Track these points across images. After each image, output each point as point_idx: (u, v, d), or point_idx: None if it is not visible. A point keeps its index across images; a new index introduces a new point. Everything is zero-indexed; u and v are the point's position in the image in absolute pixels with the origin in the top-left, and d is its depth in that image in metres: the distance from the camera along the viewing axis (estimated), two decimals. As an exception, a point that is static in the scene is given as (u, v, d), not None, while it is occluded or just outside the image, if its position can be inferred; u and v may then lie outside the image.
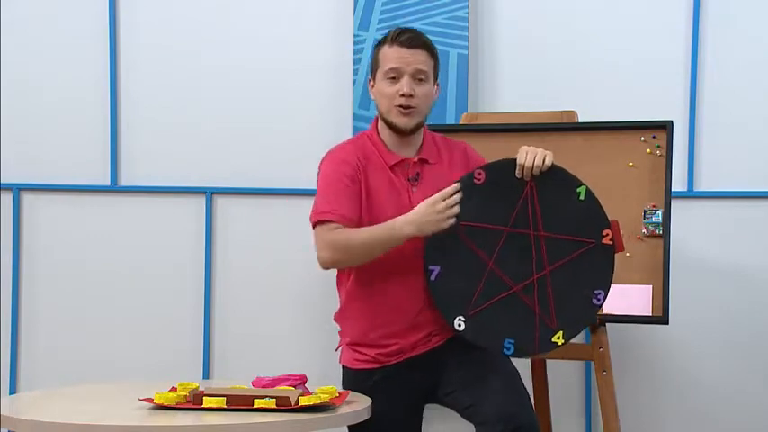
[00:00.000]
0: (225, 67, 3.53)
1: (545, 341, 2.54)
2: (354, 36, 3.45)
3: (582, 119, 3.15)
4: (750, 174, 3.40)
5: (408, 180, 2.66)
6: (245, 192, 3.51)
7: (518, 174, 2.57)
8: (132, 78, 3.55)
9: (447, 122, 3.37)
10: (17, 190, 3.54)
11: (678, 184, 3.33)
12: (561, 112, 3.17)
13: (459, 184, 2.57)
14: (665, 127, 3.01)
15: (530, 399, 2.52)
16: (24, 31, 3.56)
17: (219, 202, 3.53)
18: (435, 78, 2.70)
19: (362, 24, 3.43)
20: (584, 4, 3.48)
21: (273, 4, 3.55)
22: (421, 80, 2.63)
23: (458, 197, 2.55)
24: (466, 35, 3.41)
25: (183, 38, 3.54)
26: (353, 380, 2.66)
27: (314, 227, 2.60)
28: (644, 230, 2.97)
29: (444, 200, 2.53)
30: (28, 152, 3.55)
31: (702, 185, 3.43)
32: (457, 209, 2.55)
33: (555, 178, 2.57)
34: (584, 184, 2.58)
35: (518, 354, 2.55)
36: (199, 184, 3.52)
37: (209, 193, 3.51)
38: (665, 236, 2.94)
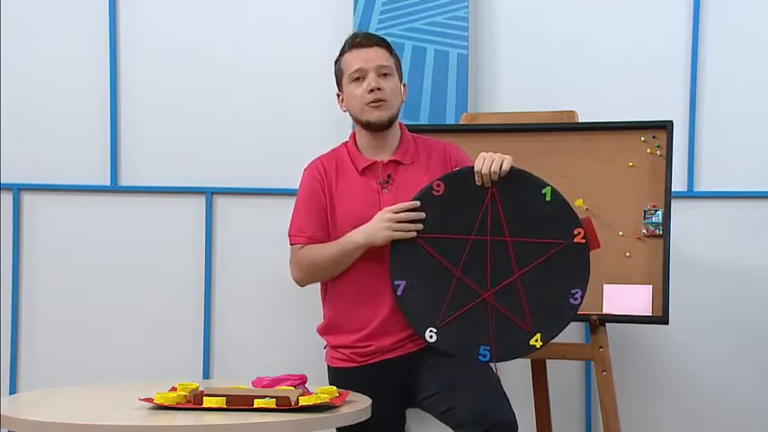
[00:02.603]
0: (225, 67, 3.53)
1: (522, 345, 2.54)
2: (354, 36, 3.44)
3: (582, 119, 3.15)
4: (750, 174, 3.40)
5: (379, 183, 2.67)
6: (245, 192, 3.51)
7: (477, 181, 2.57)
8: (132, 78, 3.55)
9: (447, 122, 3.37)
10: (17, 190, 3.54)
11: (678, 184, 3.33)
12: (561, 112, 3.17)
13: (419, 197, 2.58)
14: (665, 127, 3.01)
15: (507, 397, 2.51)
16: (24, 31, 3.56)
17: (219, 202, 3.53)
18: (400, 77, 2.74)
19: (362, 24, 3.43)
20: (585, 4, 3.48)
21: (273, 5, 3.54)
22: (385, 74, 2.67)
23: (414, 215, 2.57)
24: (466, 35, 3.41)
25: (184, 38, 3.54)
26: (335, 378, 2.72)
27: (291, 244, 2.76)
28: (644, 230, 2.97)
29: (396, 212, 2.57)
30: (28, 152, 3.55)
31: (702, 185, 3.43)
32: (414, 225, 2.57)
33: (518, 182, 2.56)
34: (548, 185, 2.56)
35: (495, 360, 2.54)
36: (199, 184, 3.52)
37: (209, 193, 3.51)
38: (665, 236, 2.94)
